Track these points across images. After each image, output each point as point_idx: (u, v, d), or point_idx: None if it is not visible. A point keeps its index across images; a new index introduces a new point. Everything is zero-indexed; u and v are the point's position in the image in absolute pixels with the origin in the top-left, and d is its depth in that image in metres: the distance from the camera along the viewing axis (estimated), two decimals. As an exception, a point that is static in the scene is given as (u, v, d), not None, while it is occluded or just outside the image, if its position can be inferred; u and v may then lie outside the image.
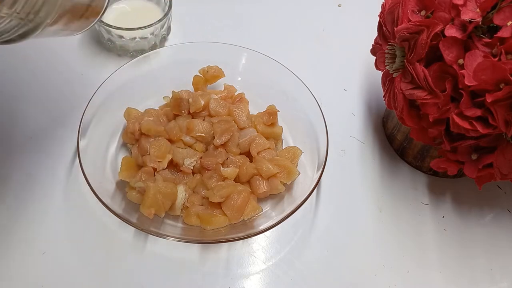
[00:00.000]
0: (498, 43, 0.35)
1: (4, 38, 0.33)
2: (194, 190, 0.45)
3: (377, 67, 0.46)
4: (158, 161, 0.45)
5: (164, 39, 0.60)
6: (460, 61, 0.36)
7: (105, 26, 0.55)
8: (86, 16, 0.39)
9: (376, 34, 0.46)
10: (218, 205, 0.44)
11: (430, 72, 0.37)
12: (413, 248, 0.45)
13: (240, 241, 0.45)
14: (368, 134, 0.54)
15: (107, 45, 0.58)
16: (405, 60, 0.39)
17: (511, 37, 0.34)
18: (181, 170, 0.46)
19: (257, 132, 0.48)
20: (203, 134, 0.47)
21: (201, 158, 0.46)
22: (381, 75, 0.45)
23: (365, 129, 0.54)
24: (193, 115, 0.49)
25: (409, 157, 0.51)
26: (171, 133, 0.47)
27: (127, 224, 0.40)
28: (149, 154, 0.45)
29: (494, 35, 0.35)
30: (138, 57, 0.52)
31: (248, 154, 0.47)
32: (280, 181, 0.45)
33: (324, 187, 0.49)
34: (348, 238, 0.46)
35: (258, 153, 0.47)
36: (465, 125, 0.36)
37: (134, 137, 0.47)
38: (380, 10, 0.45)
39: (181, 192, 0.44)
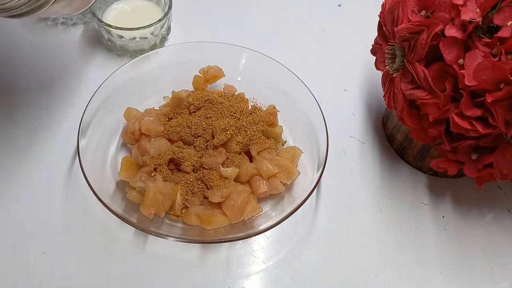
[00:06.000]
0: (498, 43, 0.35)
1: (14, 13, 0.36)
2: (194, 190, 0.45)
3: (377, 67, 0.46)
4: (158, 161, 0.45)
5: (164, 39, 0.60)
6: (460, 61, 0.36)
7: (105, 26, 0.55)
8: None
9: (376, 34, 0.46)
10: (218, 205, 0.44)
11: (430, 72, 0.37)
12: (413, 248, 0.45)
13: (240, 241, 0.45)
14: (368, 134, 0.54)
15: (107, 45, 0.58)
16: (405, 60, 0.39)
17: (511, 37, 0.34)
18: (181, 170, 0.46)
19: (257, 132, 0.48)
20: (202, 134, 0.47)
21: (201, 158, 0.46)
22: (381, 75, 0.45)
23: (365, 129, 0.54)
24: (192, 115, 0.49)
25: (409, 157, 0.51)
26: (171, 133, 0.47)
27: (127, 224, 0.40)
28: (149, 154, 0.45)
29: (494, 35, 0.35)
30: (138, 57, 0.52)
31: (248, 154, 0.47)
32: (280, 181, 0.45)
33: (324, 187, 0.49)
34: (348, 238, 0.46)
35: (258, 153, 0.47)
36: (465, 125, 0.36)
37: (134, 137, 0.47)
38: (380, 10, 0.45)
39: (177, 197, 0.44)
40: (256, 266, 0.44)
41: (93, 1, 0.43)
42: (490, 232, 0.47)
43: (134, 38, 0.56)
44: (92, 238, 0.44)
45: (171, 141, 0.47)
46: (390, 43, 0.42)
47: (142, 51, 0.58)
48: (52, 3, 0.36)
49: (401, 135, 0.50)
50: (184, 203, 0.44)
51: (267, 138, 0.49)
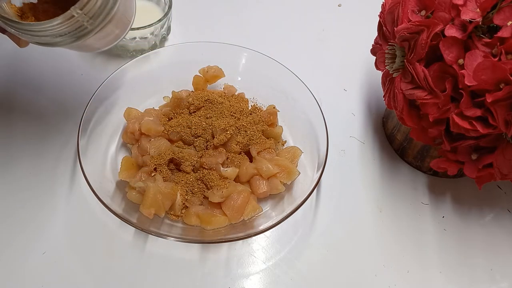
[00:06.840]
0: (498, 43, 0.35)
1: (60, 40, 0.36)
2: (194, 190, 0.45)
3: (377, 67, 0.46)
4: (158, 161, 0.45)
5: (164, 39, 0.60)
6: (460, 61, 0.36)
7: (105, 26, 0.55)
8: (119, 30, 0.41)
9: (376, 34, 0.46)
10: (218, 205, 0.44)
11: (430, 72, 0.37)
12: (413, 248, 0.45)
13: (240, 241, 0.45)
14: (368, 134, 0.54)
15: (107, 45, 0.58)
16: (405, 60, 0.39)
17: (511, 37, 0.34)
18: (181, 170, 0.46)
19: (257, 132, 0.48)
20: (202, 134, 0.47)
21: (201, 158, 0.46)
22: (381, 75, 0.45)
23: (365, 129, 0.54)
24: (192, 115, 0.49)
25: (409, 157, 0.51)
26: (171, 133, 0.47)
27: (127, 224, 0.40)
28: (149, 154, 0.45)
29: (494, 35, 0.35)
30: (138, 57, 0.52)
31: (248, 154, 0.47)
32: (280, 181, 0.45)
33: (324, 187, 0.49)
34: (348, 238, 0.46)
35: (258, 153, 0.47)
36: (465, 125, 0.36)
37: (134, 137, 0.47)
38: (380, 10, 0.45)
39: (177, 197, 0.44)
40: (256, 266, 0.44)
41: (124, 34, 0.43)
42: (490, 232, 0.47)
43: (134, 38, 0.56)
44: (92, 238, 0.44)
45: (171, 141, 0.47)
46: (390, 43, 0.42)
47: (142, 51, 0.58)
48: (94, 34, 0.37)
49: (401, 135, 0.50)
50: (184, 203, 0.44)
51: (267, 138, 0.49)
